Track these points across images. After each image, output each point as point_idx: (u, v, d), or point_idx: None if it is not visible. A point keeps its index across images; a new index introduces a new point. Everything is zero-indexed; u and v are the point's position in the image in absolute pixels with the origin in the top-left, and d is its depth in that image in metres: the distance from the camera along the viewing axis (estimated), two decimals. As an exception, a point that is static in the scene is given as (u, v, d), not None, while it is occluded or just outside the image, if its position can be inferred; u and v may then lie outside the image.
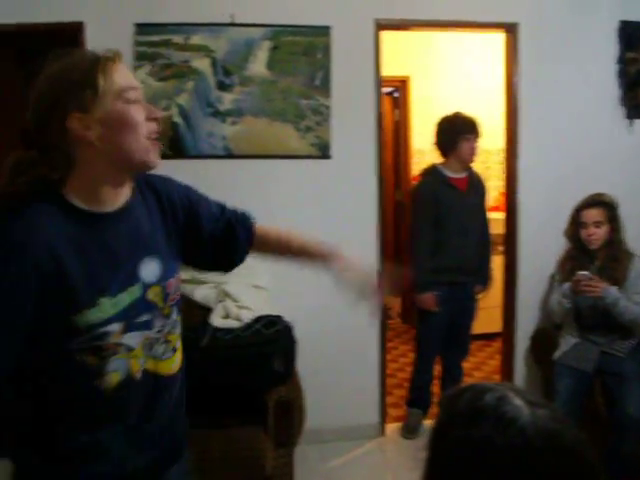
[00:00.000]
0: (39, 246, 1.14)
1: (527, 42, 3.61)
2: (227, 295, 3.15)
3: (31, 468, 1.29)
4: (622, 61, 3.73)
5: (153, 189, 1.40)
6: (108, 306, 1.22)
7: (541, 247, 3.68)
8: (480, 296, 3.78)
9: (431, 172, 3.62)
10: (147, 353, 1.32)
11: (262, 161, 3.40)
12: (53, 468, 1.28)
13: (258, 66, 3.32)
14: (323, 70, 3.38)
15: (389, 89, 6.00)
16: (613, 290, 2.94)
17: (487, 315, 3.79)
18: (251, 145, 3.37)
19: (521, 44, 3.61)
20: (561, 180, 3.71)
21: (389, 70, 3.63)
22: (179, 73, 3.27)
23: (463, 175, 3.56)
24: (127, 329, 1.26)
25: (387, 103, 5.99)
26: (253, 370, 2.86)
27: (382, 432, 3.68)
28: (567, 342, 3.14)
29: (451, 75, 5.81)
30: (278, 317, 3.13)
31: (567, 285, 3.06)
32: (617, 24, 3.68)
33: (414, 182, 5.77)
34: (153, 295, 1.32)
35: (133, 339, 1.28)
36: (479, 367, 4.69)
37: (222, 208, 1.56)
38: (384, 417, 3.71)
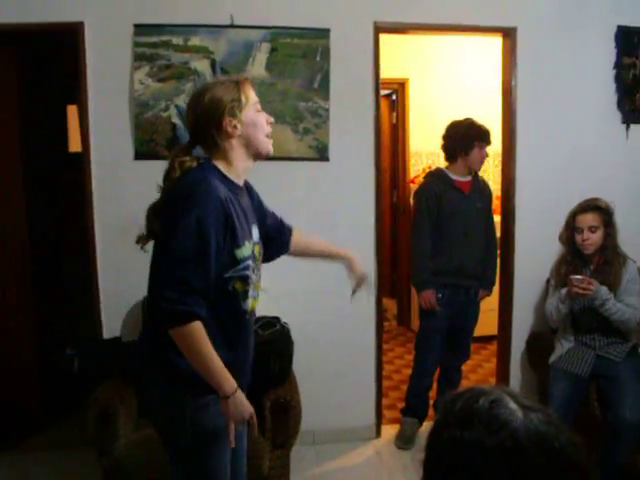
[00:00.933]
0: (225, 201, 1.73)
1: (525, 46, 3.68)
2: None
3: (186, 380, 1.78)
4: (619, 66, 3.81)
5: (248, 185, 2.02)
6: (248, 248, 1.83)
7: (537, 251, 3.75)
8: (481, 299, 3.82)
9: (436, 174, 3.70)
10: (255, 292, 1.92)
11: (260, 163, 3.44)
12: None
13: (257, 68, 3.37)
14: (322, 73, 3.43)
15: (387, 92, 6.07)
16: (604, 290, 3.01)
17: (484, 318, 3.86)
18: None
19: (519, 48, 3.68)
20: (557, 184, 3.78)
21: (387, 73, 3.70)
22: (178, 74, 3.32)
23: (468, 179, 3.63)
24: (253, 270, 1.87)
25: (384, 106, 6.06)
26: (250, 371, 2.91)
27: (378, 434, 3.74)
28: (562, 346, 3.20)
29: (449, 78, 5.89)
30: (276, 318, 3.18)
31: (564, 290, 3.13)
32: (614, 29, 3.76)
33: (411, 185, 5.86)
34: (257, 251, 1.92)
35: (255, 278, 1.89)
36: (475, 369, 4.76)
37: (274, 214, 2.18)
38: (380, 419, 3.77)
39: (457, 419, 0.87)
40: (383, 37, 3.55)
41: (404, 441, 3.63)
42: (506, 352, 3.93)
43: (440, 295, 3.56)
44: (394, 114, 6.23)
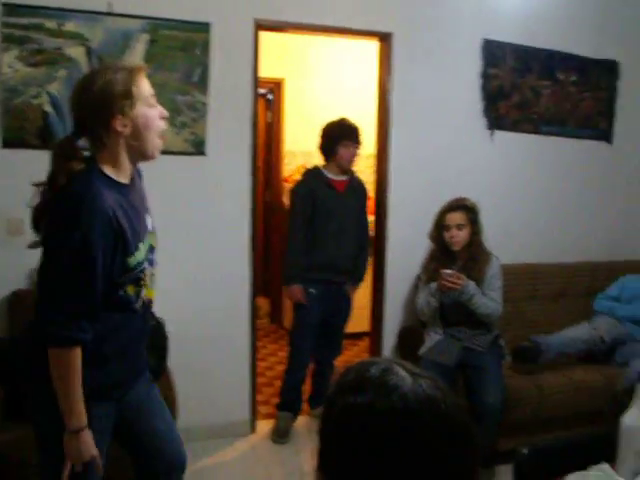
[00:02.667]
0: (112, 212, 1.67)
1: (400, 52, 3.94)
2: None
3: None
4: (484, 76, 4.16)
5: (139, 172, 1.98)
6: (142, 249, 1.81)
7: (407, 248, 4.02)
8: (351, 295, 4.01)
9: (312, 172, 3.86)
10: (149, 283, 1.91)
11: (136, 155, 3.46)
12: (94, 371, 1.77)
13: (135, 59, 3.36)
14: (201, 67, 3.50)
15: (263, 91, 6.18)
16: (472, 285, 3.31)
17: (354, 315, 4.07)
18: (125, 139, 3.42)
19: (394, 53, 3.93)
20: (427, 185, 4.08)
21: (264, 72, 3.81)
22: (51, 60, 3.26)
23: (343, 178, 3.81)
24: (149, 266, 1.87)
25: (260, 104, 6.17)
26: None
27: (253, 429, 3.86)
28: (432, 338, 3.47)
29: (325, 80, 6.12)
30: (151, 313, 3.20)
31: (433, 284, 3.39)
32: (481, 42, 4.12)
33: (285, 184, 6.02)
34: (152, 240, 1.93)
35: (150, 273, 1.89)
36: (347, 364, 4.97)
37: None
38: (255, 414, 3.89)
39: (350, 387, 0.93)
40: (261, 35, 3.66)
41: (279, 435, 3.76)
42: (378, 346, 4.16)
43: (313, 290, 3.73)
44: (269, 113, 6.37)
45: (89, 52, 3.31)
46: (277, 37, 4.61)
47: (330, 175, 3.78)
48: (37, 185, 1.75)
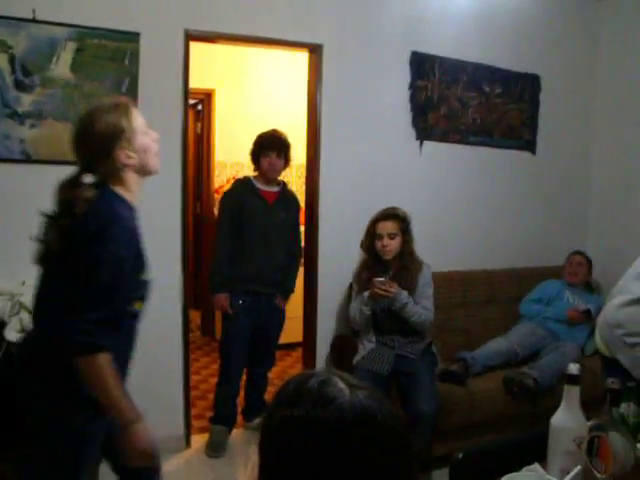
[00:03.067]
0: (133, 230, 1.88)
1: (330, 63, 4.00)
2: (23, 307, 3.10)
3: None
4: (413, 88, 4.27)
5: None
6: (149, 269, 1.98)
7: (339, 258, 4.07)
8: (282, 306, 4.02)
9: (242, 181, 3.89)
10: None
11: (64, 167, 3.37)
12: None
13: (61, 68, 3.31)
14: (130, 77, 3.46)
15: (193, 101, 6.16)
16: (404, 294, 3.38)
17: (287, 325, 4.09)
18: (52, 150, 3.33)
19: (325, 65, 3.98)
20: (358, 195, 4.14)
21: (194, 83, 3.80)
22: (-28, 68, 3.17)
23: (274, 189, 3.84)
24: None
25: (189, 115, 6.15)
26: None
27: (188, 444, 3.82)
28: (365, 347, 3.52)
29: (256, 90, 6.14)
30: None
31: (366, 293, 3.44)
32: (409, 54, 4.22)
33: (216, 195, 6.01)
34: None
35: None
36: (281, 376, 4.99)
37: None
38: (189, 429, 3.85)
39: (288, 399, 0.93)
40: (192, 46, 3.65)
41: (214, 449, 3.73)
42: (311, 356, 4.19)
43: (241, 301, 3.73)
44: (199, 124, 6.34)
45: (12, 60, 3.21)
46: (207, 47, 4.60)
47: (259, 185, 3.80)
48: (47, 216, 1.89)
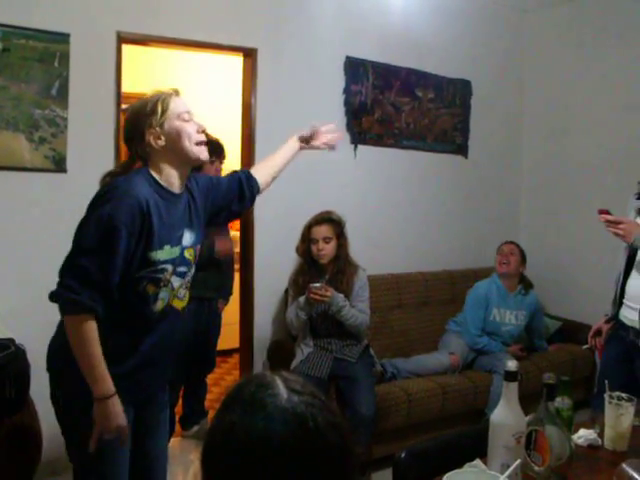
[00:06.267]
0: (145, 202, 1.87)
1: (264, 67, 4.03)
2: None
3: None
4: (347, 92, 4.33)
5: (195, 182, 2.16)
6: (167, 252, 1.95)
7: (275, 263, 4.09)
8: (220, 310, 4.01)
9: None
10: (178, 294, 2.08)
11: (-11, 170, 3.30)
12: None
13: (-15, 68, 3.23)
14: (60, 79, 3.39)
15: (126, 106, 6.04)
16: (340, 297, 3.43)
17: (224, 332, 4.07)
18: (-24, 153, 3.26)
19: (259, 69, 4.01)
20: (293, 200, 4.17)
21: (128, 87, 3.76)
22: None
23: None
24: (173, 273, 2.01)
25: (123, 120, 6.05)
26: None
27: (123, 455, 3.75)
28: (303, 352, 3.55)
29: (190, 94, 6.01)
30: (9, 340, 3.06)
31: (302, 298, 3.47)
32: (344, 59, 4.29)
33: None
34: (188, 254, 2.07)
35: (176, 282, 2.04)
36: (217, 382, 4.98)
37: (232, 176, 2.38)
38: (125, 439, 3.78)
39: (223, 404, 0.93)
40: (127, 49, 3.62)
41: (152, 459, 3.68)
42: (248, 363, 4.19)
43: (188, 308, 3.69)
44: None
45: None
46: (141, 51, 4.55)
47: None
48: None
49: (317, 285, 3.41)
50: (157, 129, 1.96)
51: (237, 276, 4.27)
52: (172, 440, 3.85)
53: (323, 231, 3.56)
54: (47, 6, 3.36)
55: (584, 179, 4.83)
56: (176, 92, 2.06)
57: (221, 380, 5.06)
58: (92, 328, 1.82)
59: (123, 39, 3.56)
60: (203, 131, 2.07)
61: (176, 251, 2.00)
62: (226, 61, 5.25)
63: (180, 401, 3.96)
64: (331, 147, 2.70)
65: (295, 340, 3.72)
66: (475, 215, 5.11)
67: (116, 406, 1.85)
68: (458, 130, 4.97)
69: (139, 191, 1.88)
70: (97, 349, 1.82)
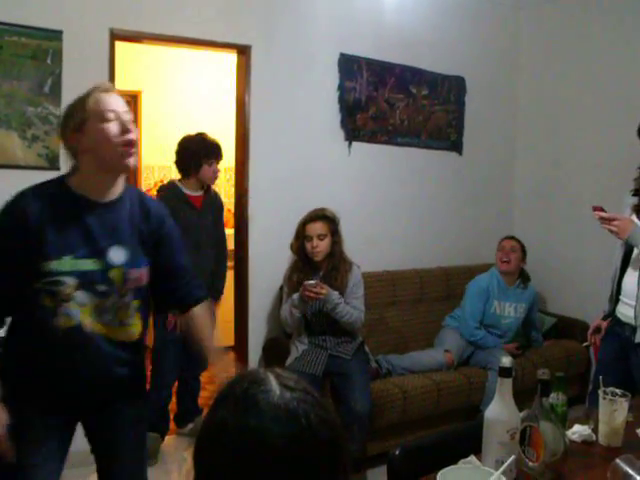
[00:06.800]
0: (30, 212, 1.77)
1: (258, 64, 4.02)
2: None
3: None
4: (341, 89, 4.33)
5: (146, 206, 1.99)
6: (68, 263, 1.80)
7: (269, 260, 4.08)
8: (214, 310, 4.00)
9: (170, 188, 3.80)
10: (98, 316, 1.87)
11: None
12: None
13: (-24, 65, 3.21)
14: (53, 77, 3.38)
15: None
16: (335, 294, 3.43)
17: (220, 329, 4.06)
18: (-32, 151, 3.24)
19: (253, 66, 4.00)
20: (288, 196, 4.17)
21: (120, 84, 3.73)
22: None
23: (200, 193, 3.80)
24: (81, 288, 1.82)
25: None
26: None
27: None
28: (297, 349, 3.55)
29: (184, 92, 6.08)
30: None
31: (296, 295, 3.47)
32: (337, 56, 4.29)
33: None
34: (113, 274, 1.87)
35: (85, 298, 1.84)
36: (212, 380, 4.95)
37: (185, 267, 2.14)
38: (120, 438, 3.77)
39: (216, 401, 0.92)
40: (118, 46, 3.60)
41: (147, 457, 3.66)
42: (244, 360, 4.17)
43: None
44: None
45: None
46: (133, 48, 4.53)
47: (187, 191, 3.74)
48: None
49: (312, 282, 3.41)
50: (76, 132, 1.82)
51: (232, 273, 4.27)
52: (166, 438, 3.86)
53: (317, 228, 3.56)
54: (40, 3, 3.34)
55: (579, 175, 4.83)
56: (106, 89, 1.89)
57: (216, 378, 5.04)
58: None
59: (116, 36, 3.55)
60: (127, 131, 1.84)
61: (86, 264, 1.83)
62: (220, 58, 5.24)
63: (174, 399, 3.95)
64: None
65: (290, 337, 3.71)
66: (470, 212, 5.11)
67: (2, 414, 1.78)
68: (452, 127, 4.96)
69: (29, 201, 1.79)
70: None
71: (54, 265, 1.79)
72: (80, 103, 1.84)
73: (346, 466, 0.92)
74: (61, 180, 1.87)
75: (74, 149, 1.84)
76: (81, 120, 1.81)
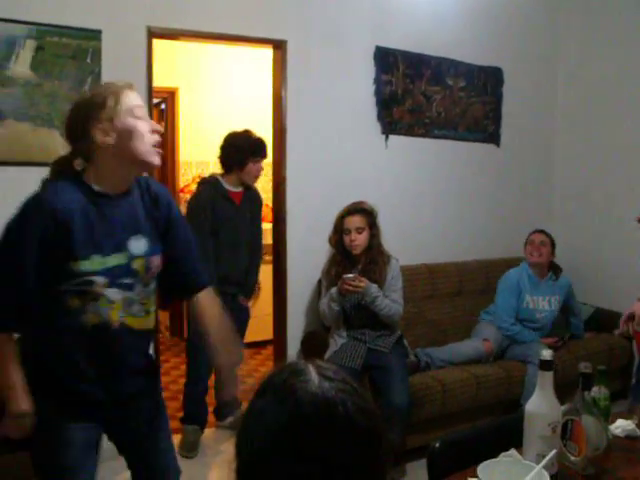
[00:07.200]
0: (58, 211, 1.72)
1: (294, 59, 4.03)
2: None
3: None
4: (377, 82, 4.31)
5: (154, 192, 1.97)
6: (97, 262, 1.78)
7: (308, 254, 4.10)
8: (250, 305, 4.01)
9: (210, 182, 3.81)
10: (126, 308, 1.86)
11: (26, 168, 3.35)
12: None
13: (21, 66, 3.27)
14: (93, 75, 3.43)
15: (156, 100, 6.12)
16: (374, 287, 3.43)
17: (257, 323, 4.09)
18: (13, 150, 3.31)
19: (289, 61, 4.01)
20: (325, 190, 4.18)
21: (157, 81, 3.78)
22: None
23: (240, 189, 3.81)
24: (110, 285, 1.81)
25: (154, 115, 6.11)
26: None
27: (159, 445, 3.79)
28: (336, 342, 3.56)
29: (220, 88, 6.12)
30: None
31: (334, 289, 3.48)
32: (373, 49, 4.27)
33: (181, 194, 5.98)
34: (137, 265, 1.87)
35: (114, 294, 1.83)
36: (251, 374, 5.01)
37: (191, 251, 2.09)
38: (161, 430, 3.82)
39: (256, 391, 0.93)
40: (155, 44, 3.64)
41: (187, 449, 3.70)
42: (282, 354, 4.20)
43: None
44: (163, 123, 6.30)
45: (-31, 59, 3.17)
46: (170, 45, 4.59)
47: (228, 186, 3.76)
48: None
49: (350, 276, 3.41)
50: (106, 124, 1.76)
51: (270, 268, 4.29)
52: (206, 431, 3.90)
53: (356, 221, 3.56)
54: (79, 4, 3.40)
55: (619, 166, 4.74)
56: (129, 86, 1.85)
57: (254, 371, 5.09)
58: (5, 343, 1.76)
59: (153, 34, 3.59)
60: (157, 131, 1.87)
61: (112, 260, 1.82)
62: (256, 53, 5.26)
63: (212, 392, 3.98)
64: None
65: (328, 331, 3.72)
66: (508, 203, 5.05)
67: (27, 425, 1.80)
68: (490, 119, 4.91)
69: (57, 200, 1.73)
70: (10, 367, 1.77)
71: (84, 265, 1.76)
72: (109, 96, 1.78)
73: (385, 455, 0.92)
74: (78, 177, 1.80)
75: (94, 144, 1.77)
76: (110, 115, 1.77)
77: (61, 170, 1.83)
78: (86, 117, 1.77)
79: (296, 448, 0.85)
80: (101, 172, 1.81)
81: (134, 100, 1.83)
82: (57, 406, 1.85)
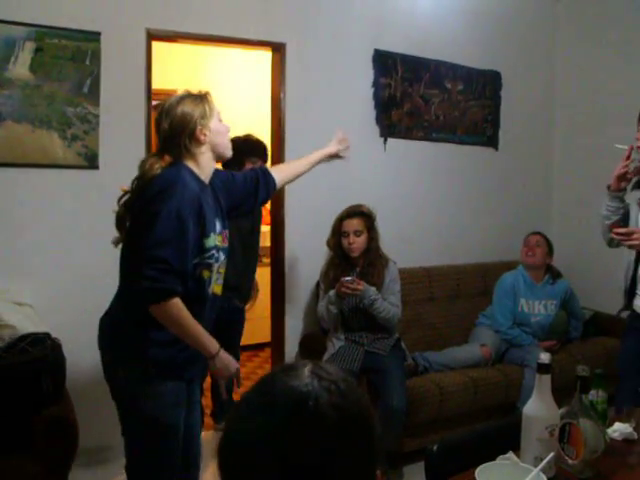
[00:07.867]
0: (198, 194, 2.10)
1: (293, 62, 4.03)
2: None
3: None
4: (376, 85, 4.31)
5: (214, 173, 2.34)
6: (213, 239, 2.17)
7: (306, 257, 4.10)
8: (247, 308, 3.99)
9: None
10: (220, 278, 2.31)
11: (25, 169, 3.35)
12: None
13: (20, 68, 3.27)
14: (92, 77, 3.43)
15: (156, 102, 6.09)
16: (372, 290, 3.42)
17: (255, 326, 4.08)
18: (12, 152, 3.30)
19: (288, 63, 4.01)
20: (324, 193, 4.16)
21: (157, 83, 3.78)
22: None
23: None
24: (217, 259, 2.21)
25: (153, 116, 6.10)
26: (20, 391, 2.80)
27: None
28: (334, 345, 3.55)
29: (219, 90, 6.07)
30: (45, 334, 3.10)
31: (332, 292, 3.47)
32: (372, 52, 4.27)
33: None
34: (220, 240, 2.23)
35: (222, 265, 2.29)
36: (249, 376, 4.97)
37: (248, 173, 2.60)
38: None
39: (250, 388, 0.92)
40: (155, 46, 3.65)
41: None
42: (280, 356, 4.20)
43: None
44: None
45: (-32, 60, 3.17)
46: (169, 47, 4.58)
47: None
48: (125, 191, 2.19)
49: (348, 279, 3.40)
50: (206, 127, 2.17)
51: (268, 270, 4.28)
52: (204, 433, 3.88)
53: (354, 224, 3.55)
54: (78, 6, 3.40)
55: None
56: (209, 94, 2.30)
57: (252, 374, 5.07)
58: (181, 306, 2.01)
59: (152, 36, 3.59)
60: (228, 130, 2.31)
61: (218, 238, 2.21)
62: (254, 56, 5.26)
63: (209, 394, 3.96)
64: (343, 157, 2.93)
65: (326, 333, 3.71)
66: (506, 207, 5.05)
67: (227, 354, 2.14)
68: (488, 122, 4.91)
69: (194, 185, 2.10)
70: (192, 321, 2.04)
71: (209, 241, 2.14)
72: (202, 104, 2.21)
73: (367, 459, 0.88)
74: (186, 166, 2.16)
75: (197, 142, 2.16)
76: (208, 119, 2.19)
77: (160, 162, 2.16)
78: (193, 121, 2.15)
79: (266, 440, 0.83)
80: (198, 164, 2.20)
81: (216, 107, 2.27)
82: (162, 366, 2.12)
